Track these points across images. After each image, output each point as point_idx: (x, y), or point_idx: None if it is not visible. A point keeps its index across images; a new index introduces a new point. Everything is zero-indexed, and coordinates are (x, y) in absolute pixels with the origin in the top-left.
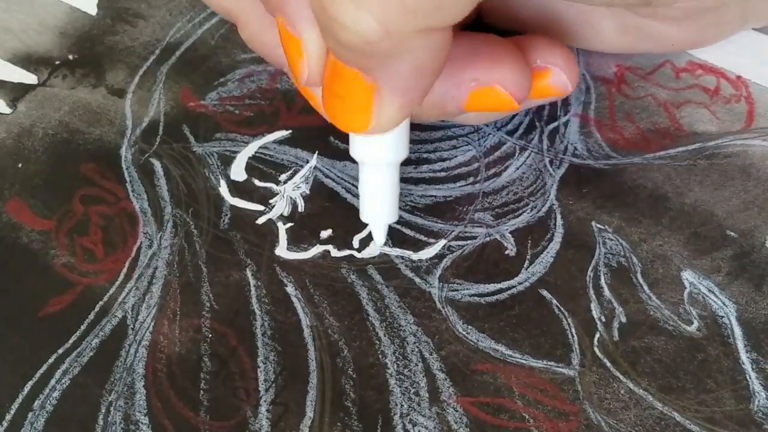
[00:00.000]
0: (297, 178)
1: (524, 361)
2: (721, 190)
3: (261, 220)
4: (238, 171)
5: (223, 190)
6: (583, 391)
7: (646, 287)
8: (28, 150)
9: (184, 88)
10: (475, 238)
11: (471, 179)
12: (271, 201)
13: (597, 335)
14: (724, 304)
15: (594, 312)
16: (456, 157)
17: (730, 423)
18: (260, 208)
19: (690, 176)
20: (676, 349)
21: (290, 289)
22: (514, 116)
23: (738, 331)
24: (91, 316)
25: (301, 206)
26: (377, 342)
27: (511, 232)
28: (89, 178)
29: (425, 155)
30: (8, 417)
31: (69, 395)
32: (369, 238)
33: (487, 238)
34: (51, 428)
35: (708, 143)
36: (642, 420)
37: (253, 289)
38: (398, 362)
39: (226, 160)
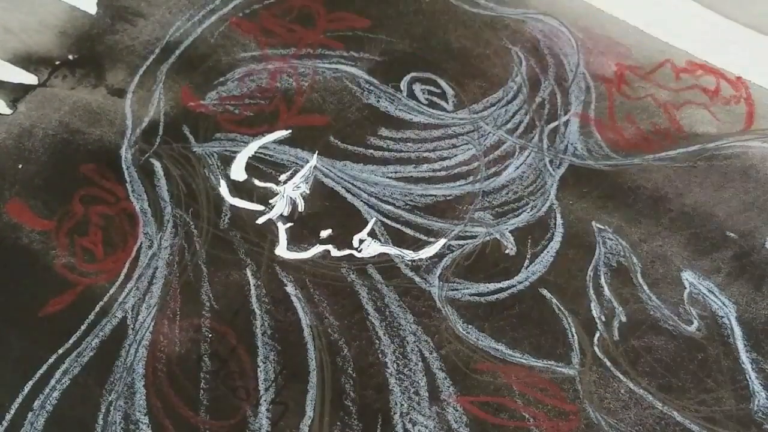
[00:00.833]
0: (297, 178)
1: (524, 361)
2: (721, 191)
3: (261, 220)
4: (238, 171)
5: (223, 190)
6: (583, 391)
7: (646, 287)
8: (29, 151)
9: (184, 88)
10: (475, 237)
11: (471, 178)
12: (271, 201)
13: (597, 335)
14: (724, 305)
15: (594, 311)
16: (456, 156)
17: (730, 422)
18: (260, 208)
19: (690, 177)
20: (676, 349)
21: (290, 288)
22: (514, 114)
23: (738, 331)
24: (91, 316)
25: (301, 206)
26: (377, 341)
27: (511, 232)
28: (89, 178)
29: (425, 154)
30: (8, 417)
31: (69, 395)
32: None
33: (488, 238)
34: (51, 428)
35: (708, 145)
36: (642, 419)
37: (253, 288)
38: (398, 361)
39: (226, 160)
